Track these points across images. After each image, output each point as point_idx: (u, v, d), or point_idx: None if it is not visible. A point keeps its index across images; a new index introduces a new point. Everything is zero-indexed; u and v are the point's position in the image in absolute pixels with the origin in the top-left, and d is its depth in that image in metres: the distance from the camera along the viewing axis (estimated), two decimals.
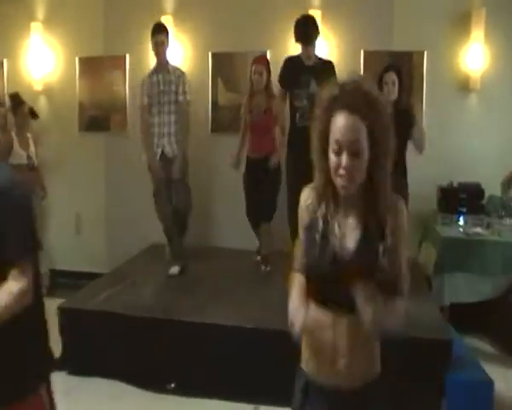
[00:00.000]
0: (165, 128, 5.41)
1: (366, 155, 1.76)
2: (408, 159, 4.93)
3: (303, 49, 5.16)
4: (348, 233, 1.88)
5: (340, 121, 1.76)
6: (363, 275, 1.80)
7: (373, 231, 1.84)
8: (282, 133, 5.37)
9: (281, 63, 5.70)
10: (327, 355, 1.90)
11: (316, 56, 5.25)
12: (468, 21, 5.83)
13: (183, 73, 5.53)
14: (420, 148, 4.90)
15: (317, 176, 1.89)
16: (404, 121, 4.64)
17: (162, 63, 5.43)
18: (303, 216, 1.97)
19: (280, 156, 5.39)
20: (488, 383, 3.93)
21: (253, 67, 5.44)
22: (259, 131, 5.48)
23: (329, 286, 1.86)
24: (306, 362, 2.00)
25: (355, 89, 1.78)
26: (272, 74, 5.49)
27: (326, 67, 5.12)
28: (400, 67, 5.10)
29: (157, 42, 5.35)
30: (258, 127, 5.49)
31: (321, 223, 1.91)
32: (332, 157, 1.79)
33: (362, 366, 1.93)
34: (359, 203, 1.86)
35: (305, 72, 5.10)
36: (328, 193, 1.89)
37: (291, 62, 5.27)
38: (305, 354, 2.00)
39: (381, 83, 4.82)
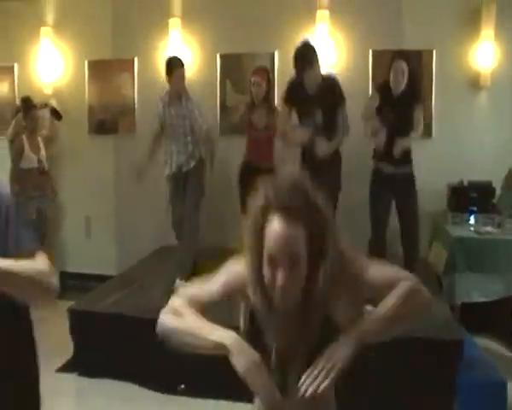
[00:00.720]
0: (182, 151, 5.37)
1: (304, 261, 1.54)
2: (415, 157, 4.89)
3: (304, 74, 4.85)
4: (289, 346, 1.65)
5: (275, 229, 1.52)
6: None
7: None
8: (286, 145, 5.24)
9: (289, 64, 5.69)
10: None
11: (320, 77, 4.90)
12: (478, 19, 5.78)
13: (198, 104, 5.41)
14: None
15: (249, 272, 1.63)
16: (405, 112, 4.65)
17: (178, 95, 5.35)
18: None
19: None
20: (501, 384, 3.90)
21: (252, 79, 5.42)
22: (259, 145, 5.47)
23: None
24: None
25: (292, 188, 1.55)
26: (279, 77, 5.44)
27: (330, 91, 4.84)
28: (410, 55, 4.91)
29: (179, 76, 5.30)
30: (257, 142, 5.48)
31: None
32: (266, 269, 1.55)
33: None
34: (300, 312, 1.62)
35: (309, 102, 4.84)
36: (263, 291, 1.61)
37: (293, 89, 4.96)
38: None
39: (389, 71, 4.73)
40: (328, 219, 1.58)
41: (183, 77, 5.34)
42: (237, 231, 6.07)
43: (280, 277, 1.51)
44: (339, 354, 1.54)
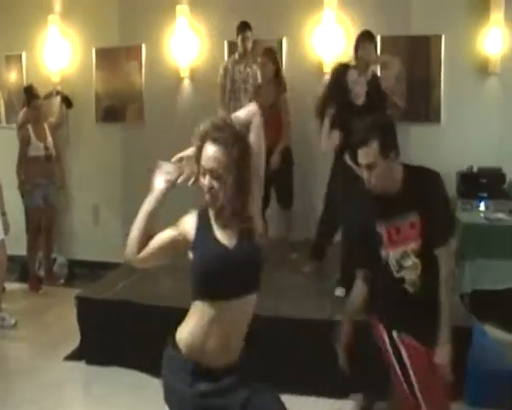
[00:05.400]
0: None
1: (226, 179, 2.09)
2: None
3: None
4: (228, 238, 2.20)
5: (206, 150, 2.11)
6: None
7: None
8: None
9: (297, 50, 5.71)
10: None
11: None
12: (487, 4, 5.70)
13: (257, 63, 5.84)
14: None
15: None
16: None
17: (244, 54, 5.80)
18: None
19: (287, 142, 5.54)
20: (510, 372, 3.87)
21: (259, 59, 5.58)
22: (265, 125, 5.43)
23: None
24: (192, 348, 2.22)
25: (222, 123, 2.13)
26: (287, 63, 5.49)
27: None
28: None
29: (244, 37, 5.74)
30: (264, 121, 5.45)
31: (205, 230, 2.23)
32: (201, 179, 2.14)
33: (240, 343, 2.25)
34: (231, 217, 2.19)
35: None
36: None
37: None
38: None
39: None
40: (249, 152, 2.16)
41: (247, 39, 5.74)
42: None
43: (206, 181, 2.12)
44: None
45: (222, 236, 2.20)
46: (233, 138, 2.09)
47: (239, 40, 5.76)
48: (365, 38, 4.62)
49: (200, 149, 2.13)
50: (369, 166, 2.69)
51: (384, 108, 4.55)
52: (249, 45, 5.79)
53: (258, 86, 5.64)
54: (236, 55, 5.86)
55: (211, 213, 2.24)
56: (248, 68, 5.80)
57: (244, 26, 5.76)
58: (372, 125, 2.72)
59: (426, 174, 2.79)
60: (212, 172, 2.09)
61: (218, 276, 2.14)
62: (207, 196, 2.13)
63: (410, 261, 2.71)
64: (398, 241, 2.72)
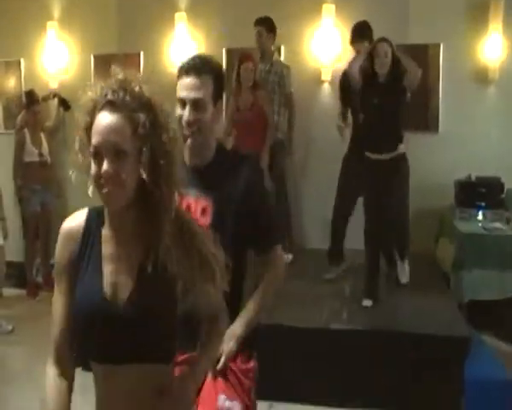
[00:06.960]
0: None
1: (132, 157, 1.47)
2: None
3: None
4: (123, 271, 1.54)
5: (99, 121, 1.48)
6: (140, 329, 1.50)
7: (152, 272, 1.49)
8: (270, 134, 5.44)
9: (295, 58, 5.71)
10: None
11: None
12: (486, 12, 5.72)
13: (286, 68, 5.66)
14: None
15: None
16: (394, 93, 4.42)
17: (263, 54, 5.66)
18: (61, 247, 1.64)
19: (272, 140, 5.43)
20: (508, 382, 3.86)
21: (244, 65, 5.40)
22: (246, 129, 5.39)
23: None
24: None
25: (118, 84, 1.51)
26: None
27: None
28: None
29: (256, 32, 5.57)
30: (244, 125, 5.42)
31: (90, 254, 1.59)
32: (93, 167, 1.49)
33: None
34: (136, 228, 1.55)
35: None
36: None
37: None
38: None
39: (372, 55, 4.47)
40: (163, 122, 1.53)
41: (260, 35, 5.55)
42: None
43: (104, 165, 1.45)
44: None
45: (112, 271, 1.54)
46: (137, 103, 1.48)
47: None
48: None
49: (88, 126, 1.50)
50: (196, 103, 2.07)
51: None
52: (263, 42, 5.58)
53: (237, 91, 5.50)
54: (258, 53, 5.70)
55: (106, 222, 1.60)
56: (274, 70, 5.59)
57: (257, 22, 5.56)
58: (210, 62, 2.16)
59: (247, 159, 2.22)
60: (111, 149, 1.45)
61: (91, 338, 1.57)
62: (104, 192, 1.48)
63: None
64: None
